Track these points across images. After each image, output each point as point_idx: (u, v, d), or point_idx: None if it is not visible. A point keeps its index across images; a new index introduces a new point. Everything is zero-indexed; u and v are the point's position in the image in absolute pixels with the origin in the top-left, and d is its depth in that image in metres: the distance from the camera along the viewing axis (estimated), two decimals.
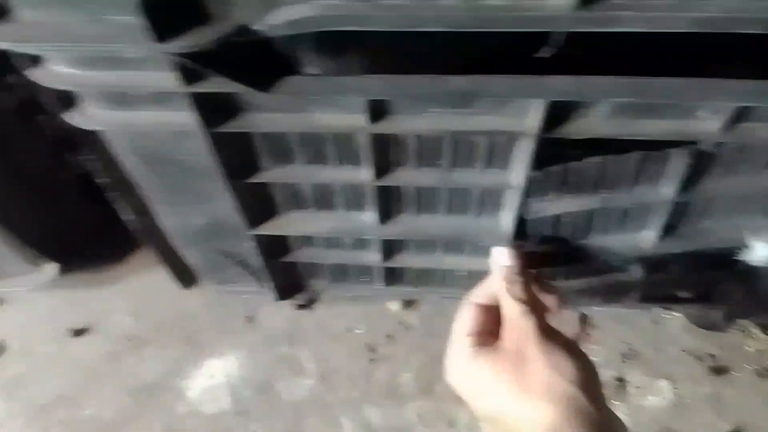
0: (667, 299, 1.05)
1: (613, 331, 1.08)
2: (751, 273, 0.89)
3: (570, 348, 0.53)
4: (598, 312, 1.09)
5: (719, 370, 1.02)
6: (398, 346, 1.09)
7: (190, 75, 0.62)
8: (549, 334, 0.54)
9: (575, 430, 0.46)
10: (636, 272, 0.98)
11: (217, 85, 0.63)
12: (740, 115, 0.62)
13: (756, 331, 1.06)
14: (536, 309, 0.56)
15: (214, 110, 0.68)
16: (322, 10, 0.55)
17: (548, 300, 0.62)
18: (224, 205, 0.85)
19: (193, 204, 0.88)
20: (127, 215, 0.91)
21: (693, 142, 0.70)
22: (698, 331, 1.06)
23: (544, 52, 0.59)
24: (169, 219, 0.93)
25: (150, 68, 0.63)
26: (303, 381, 1.08)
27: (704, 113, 0.63)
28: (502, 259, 0.62)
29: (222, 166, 0.77)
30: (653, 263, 0.95)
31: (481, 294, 0.62)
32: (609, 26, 0.53)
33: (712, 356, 1.04)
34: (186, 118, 0.68)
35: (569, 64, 0.68)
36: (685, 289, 1.02)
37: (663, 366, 1.03)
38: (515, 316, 0.55)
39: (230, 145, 0.74)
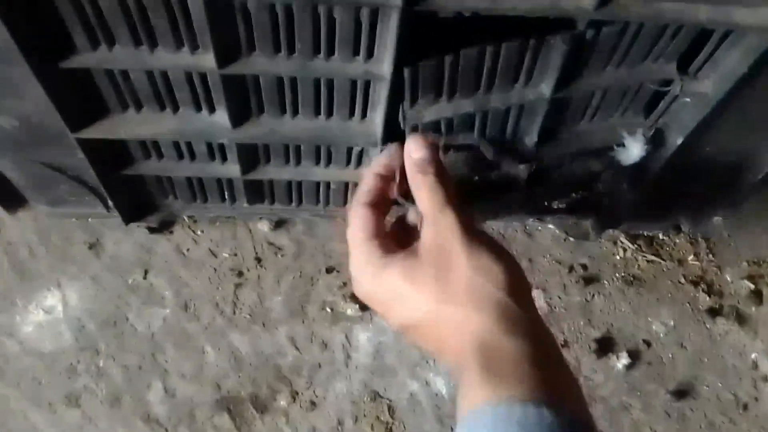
0: (542, 210, 1.04)
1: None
2: (619, 177, 0.88)
3: (496, 248, 0.45)
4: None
5: (589, 279, 1.03)
6: (267, 269, 1.00)
7: None
8: (473, 231, 0.46)
9: (504, 336, 0.40)
10: (517, 184, 0.95)
11: None
12: None
13: (624, 241, 1.08)
14: (453, 203, 0.47)
15: None
16: None
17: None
18: (35, 100, 0.69)
19: None
20: None
21: (571, 26, 0.65)
22: (569, 242, 1.06)
23: None
24: None
25: None
26: (159, 311, 0.96)
27: None
28: (413, 147, 0.50)
29: (20, 45, 0.61)
30: (533, 173, 0.92)
31: (369, 195, 0.50)
32: None
33: (583, 266, 1.05)
34: None
35: None
36: (559, 199, 1.00)
37: (536, 276, 1.02)
38: (434, 212, 0.46)
39: (28, 14, 0.59)
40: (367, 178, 0.51)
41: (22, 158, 0.84)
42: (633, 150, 0.78)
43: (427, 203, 0.47)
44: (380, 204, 0.48)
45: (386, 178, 0.50)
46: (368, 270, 0.46)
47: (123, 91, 0.72)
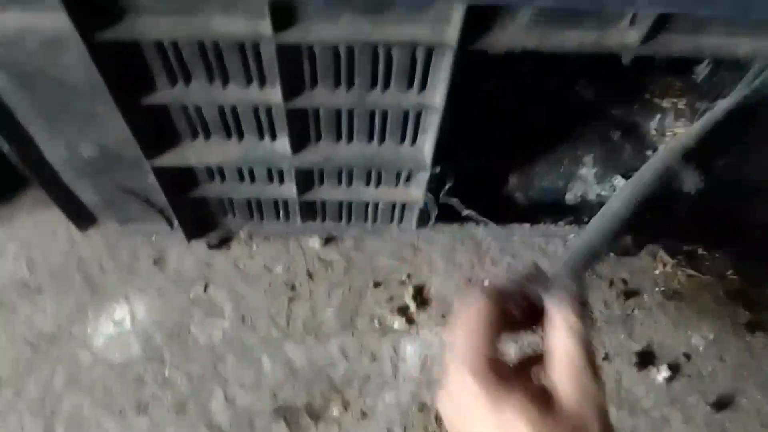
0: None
1: (528, 258, 1.09)
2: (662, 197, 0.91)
3: None
4: (513, 240, 1.10)
5: (630, 294, 1.06)
6: (318, 284, 1.06)
7: None
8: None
9: None
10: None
11: None
12: (660, 25, 0.61)
13: (664, 255, 1.10)
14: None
15: (92, 12, 0.59)
16: None
17: None
18: (116, 131, 0.76)
19: (79, 131, 0.78)
20: (3, 146, 0.80)
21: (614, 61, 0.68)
22: (610, 257, 1.08)
23: None
24: (53, 150, 0.83)
25: None
26: (220, 323, 1.02)
27: (626, 22, 0.61)
28: (570, 288, 0.42)
29: (108, 84, 0.67)
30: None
31: (508, 293, 0.42)
32: None
33: (623, 281, 1.07)
34: (58, 21, 0.59)
35: None
36: None
37: None
38: (584, 375, 0.38)
39: (116, 57, 0.65)
40: (514, 279, 0.42)
41: (98, 182, 0.91)
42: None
43: (579, 362, 0.38)
44: (497, 326, 0.40)
45: (506, 299, 0.41)
46: (473, 403, 0.37)
47: (195, 122, 0.79)
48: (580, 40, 0.62)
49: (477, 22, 0.61)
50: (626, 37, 0.62)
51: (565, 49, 0.63)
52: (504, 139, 1.19)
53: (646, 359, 1.00)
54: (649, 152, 1.20)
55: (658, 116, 1.23)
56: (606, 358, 1.00)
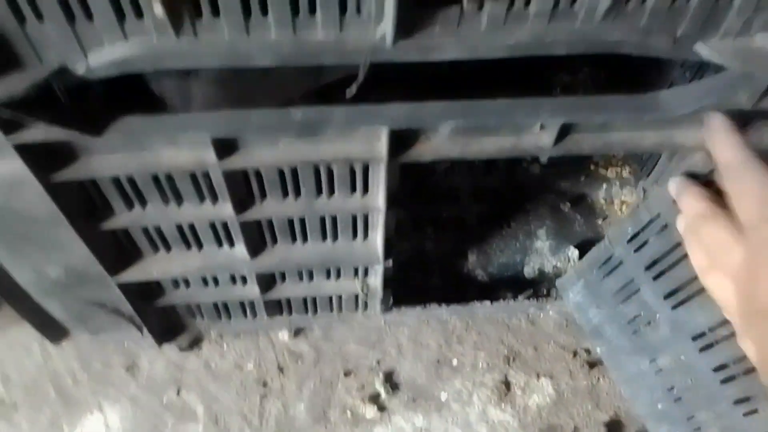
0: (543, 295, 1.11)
1: (493, 334, 1.12)
2: None
3: None
4: (477, 317, 1.13)
5: (593, 364, 1.08)
6: (289, 377, 1.07)
7: (9, 124, 0.58)
8: None
9: None
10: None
11: (42, 132, 0.59)
12: (567, 129, 0.67)
13: None
14: None
15: (46, 157, 0.64)
16: (142, 50, 0.53)
17: None
18: (79, 253, 0.80)
19: (44, 255, 0.82)
20: None
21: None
22: (571, 327, 1.12)
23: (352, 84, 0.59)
24: (20, 272, 0.86)
25: None
26: (193, 426, 1.03)
27: (537, 128, 0.67)
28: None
29: (67, 215, 0.72)
30: None
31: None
32: (429, 56, 0.56)
33: (586, 350, 1.10)
34: (15, 168, 0.63)
35: (409, 89, 0.70)
36: None
37: (543, 364, 1.08)
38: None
39: (73, 192, 0.70)
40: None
41: (66, 298, 0.94)
42: None
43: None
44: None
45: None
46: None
47: (154, 238, 0.83)
48: (499, 146, 0.68)
49: (403, 138, 0.67)
50: (539, 140, 0.68)
51: (487, 155, 0.69)
52: (458, 218, 1.25)
53: (614, 429, 1.02)
54: (599, 221, 1.26)
55: (605, 186, 1.30)
56: (575, 430, 1.01)
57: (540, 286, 1.16)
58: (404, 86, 0.84)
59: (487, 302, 1.10)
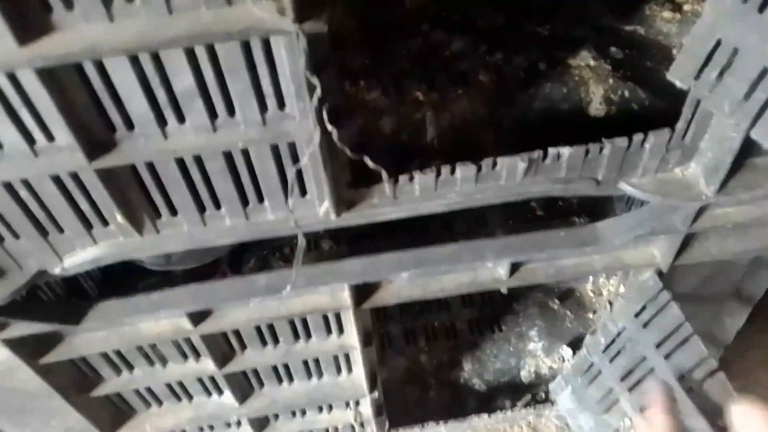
0: None
1: None
2: None
3: None
4: (479, 429, 1.12)
5: None
6: None
7: None
8: None
9: None
10: None
11: (26, 327, 0.64)
12: (519, 263, 0.71)
13: None
14: None
15: (33, 344, 0.69)
16: (111, 249, 0.58)
17: None
18: (74, 418, 0.83)
19: (42, 421, 0.85)
20: None
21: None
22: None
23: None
24: None
25: None
26: None
27: (491, 263, 0.71)
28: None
29: (58, 389, 0.76)
30: None
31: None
32: (372, 220, 0.60)
33: None
34: (5, 356, 0.68)
35: (368, 243, 0.75)
36: None
37: None
38: None
39: (62, 368, 0.74)
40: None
41: None
42: None
43: None
44: None
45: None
46: None
47: (145, 396, 0.86)
48: (457, 283, 0.72)
49: (366, 286, 0.71)
50: (495, 274, 0.72)
51: (447, 292, 0.72)
52: (450, 326, 1.26)
53: None
54: (589, 315, 1.27)
55: (591, 278, 1.31)
56: None
57: (538, 390, 1.15)
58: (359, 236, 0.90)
59: (485, 415, 1.10)
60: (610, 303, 1.25)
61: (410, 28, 0.81)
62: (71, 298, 0.82)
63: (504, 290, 0.75)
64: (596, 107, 0.72)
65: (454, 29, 0.80)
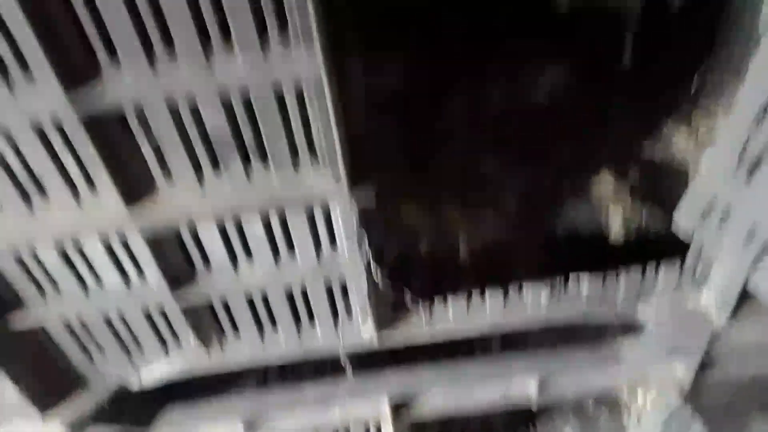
0: None
1: None
2: None
3: None
4: None
5: None
6: None
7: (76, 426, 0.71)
8: None
9: None
10: None
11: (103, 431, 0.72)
12: (548, 378, 0.76)
13: None
14: None
15: None
16: (182, 366, 0.67)
17: None
18: None
19: None
20: None
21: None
22: None
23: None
24: None
25: None
26: None
27: (522, 377, 0.76)
28: None
29: None
30: None
31: None
32: (410, 343, 0.67)
33: None
34: None
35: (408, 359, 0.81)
36: None
37: None
38: None
39: None
40: None
41: None
42: None
43: None
44: None
45: None
46: None
47: None
48: (489, 398, 0.77)
49: (407, 400, 0.77)
50: (526, 389, 0.77)
51: (480, 408, 0.77)
52: (484, 423, 1.28)
53: None
54: (624, 416, 1.28)
55: None
56: None
57: None
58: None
59: None
60: (638, 417, 1.26)
61: (444, 147, 0.90)
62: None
63: (533, 407, 0.79)
64: (616, 230, 0.79)
65: (485, 146, 0.89)
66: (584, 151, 0.85)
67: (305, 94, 0.46)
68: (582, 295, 0.65)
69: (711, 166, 0.56)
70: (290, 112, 0.47)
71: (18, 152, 0.47)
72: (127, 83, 0.44)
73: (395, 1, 0.68)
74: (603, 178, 0.85)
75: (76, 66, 0.43)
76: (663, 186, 0.81)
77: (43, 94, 0.43)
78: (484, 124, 0.77)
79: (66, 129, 0.45)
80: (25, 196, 0.50)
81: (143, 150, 0.48)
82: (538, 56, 0.80)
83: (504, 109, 0.80)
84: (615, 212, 0.82)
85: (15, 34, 0.40)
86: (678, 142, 0.93)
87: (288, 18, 0.42)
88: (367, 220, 0.54)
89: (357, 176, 0.52)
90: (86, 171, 0.48)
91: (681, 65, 0.82)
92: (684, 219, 0.59)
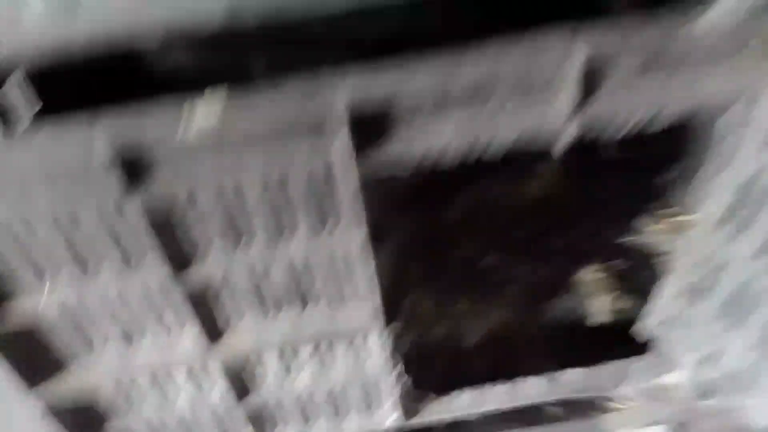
0: None
1: None
2: None
3: None
4: None
5: None
6: None
7: None
8: None
9: None
10: None
11: None
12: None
13: None
14: None
15: None
16: None
17: None
18: None
19: None
20: None
21: None
22: None
23: None
24: None
25: None
26: None
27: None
28: None
29: None
30: None
31: None
32: (432, 423, 0.80)
33: None
34: None
35: None
36: None
37: None
38: None
39: None
40: None
41: None
42: None
43: None
44: None
45: None
46: None
47: None
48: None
49: None
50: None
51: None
52: None
53: None
54: None
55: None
56: None
57: None
58: None
59: None
60: None
61: (451, 241, 1.03)
62: None
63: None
64: (603, 317, 0.92)
65: (488, 241, 1.01)
66: (571, 245, 0.98)
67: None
68: (574, 382, 0.79)
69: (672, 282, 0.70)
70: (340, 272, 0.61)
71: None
72: (219, 262, 0.57)
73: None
74: (591, 268, 0.97)
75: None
76: (644, 276, 0.94)
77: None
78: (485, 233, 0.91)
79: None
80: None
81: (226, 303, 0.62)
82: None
83: (501, 214, 0.93)
84: (602, 300, 0.94)
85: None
86: (656, 234, 1.01)
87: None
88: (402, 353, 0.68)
89: (391, 310, 0.65)
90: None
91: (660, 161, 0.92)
92: (647, 327, 0.73)
